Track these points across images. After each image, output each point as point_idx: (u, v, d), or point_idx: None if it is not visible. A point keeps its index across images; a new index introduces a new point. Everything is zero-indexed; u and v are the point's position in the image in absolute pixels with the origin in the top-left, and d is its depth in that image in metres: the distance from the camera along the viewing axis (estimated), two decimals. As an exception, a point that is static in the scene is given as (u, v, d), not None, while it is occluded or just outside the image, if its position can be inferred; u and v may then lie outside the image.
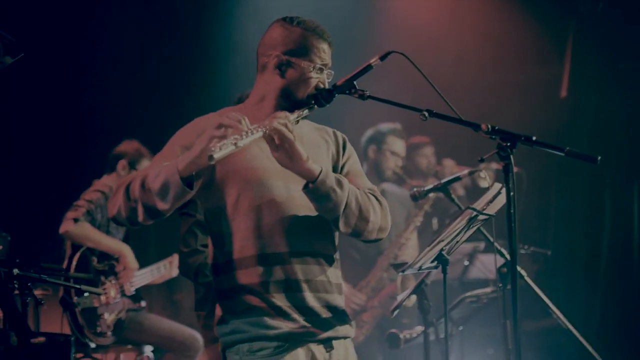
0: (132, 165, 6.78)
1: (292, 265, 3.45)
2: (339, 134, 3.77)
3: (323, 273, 3.51)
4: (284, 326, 3.41)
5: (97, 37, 8.13)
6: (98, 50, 8.20)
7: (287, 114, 3.40)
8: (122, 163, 6.80)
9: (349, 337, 3.61)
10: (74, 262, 6.37)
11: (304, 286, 3.45)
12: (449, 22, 9.29)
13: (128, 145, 6.89)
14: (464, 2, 9.27)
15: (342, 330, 3.55)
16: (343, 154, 3.71)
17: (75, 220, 6.38)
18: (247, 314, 3.43)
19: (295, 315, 3.43)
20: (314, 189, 3.34)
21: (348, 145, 3.76)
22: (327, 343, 3.51)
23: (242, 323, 3.44)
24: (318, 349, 3.49)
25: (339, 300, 3.57)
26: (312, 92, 3.56)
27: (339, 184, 3.40)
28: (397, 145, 7.43)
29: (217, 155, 3.08)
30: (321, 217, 3.49)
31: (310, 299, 3.46)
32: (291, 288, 3.44)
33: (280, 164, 3.34)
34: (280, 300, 3.42)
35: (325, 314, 3.50)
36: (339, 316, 3.55)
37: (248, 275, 3.44)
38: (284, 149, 3.29)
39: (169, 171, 3.23)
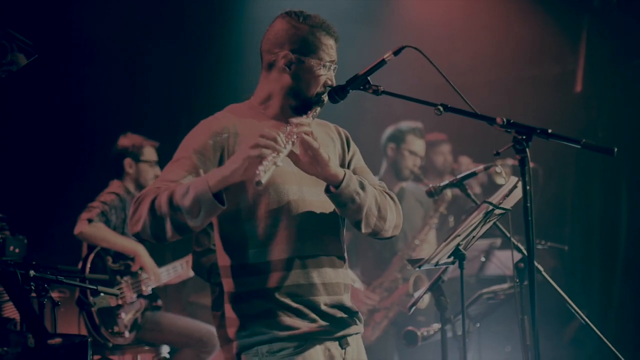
0: (137, 159, 6.79)
1: (309, 269, 3.46)
2: (341, 130, 3.78)
3: (336, 275, 3.54)
4: (302, 326, 3.43)
5: (106, 36, 8.13)
6: (106, 50, 8.20)
7: (309, 120, 3.38)
8: (127, 161, 6.80)
9: (359, 333, 3.65)
10: (89, 263, 6.38)
11: (320, 289, 3.47)
12: (463, 20, 9.27)
13: (124, 141, 6.88)
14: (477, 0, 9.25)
15: (354, 327, 3.59)
16: (348, 151, 3.73)
17: (89, 220, 6.39)
18: (265, 316, 3.44)
19: (313, 316, 3.45)
20: (339, 193, 3.34)
21: (351, 141, 3.77)
22: (343, 340, 3.54)
23: (260, 325, 3.44)
24: (334, 346, 3.51)
25: (348, 300, 3.60)
26: (321, 90, 3.55)
27: (362, 186, 3.42)
28: (417, 144, 7.37)
29: (264, 179, 3.07)
30: (333, 219, 3.52)
31: (326, 301, 3.48)
32: (308, 292, 3.46)
33: (304, 171, 3.35)
34: (297, 303, 3.44)
35: (339, 314, 3.53)
36: (351, 314, 3.59)
37: (266, 280, 3.44)
38: (308, 157, 3.29)
39: (199, 189, 3.20)
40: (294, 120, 3.36)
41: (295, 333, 3.42)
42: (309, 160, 3.30)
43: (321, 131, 3.68)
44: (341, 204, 3.38)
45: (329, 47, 3.56)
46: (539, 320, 3.33)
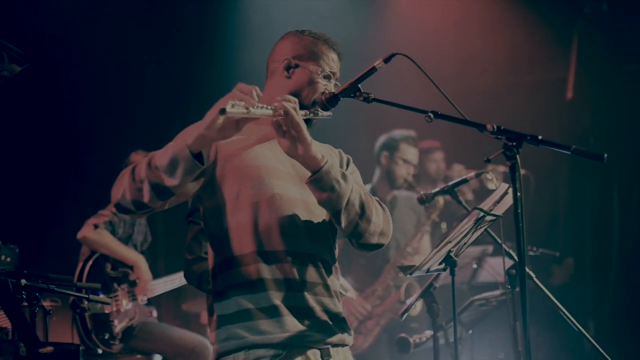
0: None
1: (290, 265, 3.40)
2: (343, 153, 3.77)
3: (320, 277, 3.48)
4: (281, 331, 3.37)
5: (99, 43, 8.14)
6: (98, 57, 8.21)
7: (297, 100, 3.32)
8: None
9: (347, 345, 3.57)
10: (88, 267, 6.38)
11: (301, 286, 3.41)
12: (455, 27, 9.30)
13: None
14: (469, 6, 9.27)
15: (339, 336, 3.50)
16: (347, 170, 3.70)
17: (95, 226, 6.40)
18: (242, 318, 3.38)
19: (292, 317, 3.38)
20: (318, 178, 3.30)
21: (351, 163, 3.76)
22: (325, 350, 3.46)
23: (237, 328, 3.38)
24: (315, 356, 3.43)
25: (337, 307, 3.52)
26: (318, 97, 3.56)
27: (344, 176, 3.37)
28: (410, 153, 7.37)
29: (229, 110, 3.01)
30: (321, 219, 3.49)
31: (308, 299, 3.42)
32: (289, 287, 3.40)
33: (285, 150, 3.29)
34: (277, 298, 3.37)
35: (322, 316, 3.45)
36: (337, 322, 3.51)
37: (245, 273, 3.39)
38: (290, 135, 3.25)
39: (177, 146, 3.16)
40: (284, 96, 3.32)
41: (272, 340, 3.35)
42: (290, 138, 3.25)
43: (320, 149, 3.66)
44: (321, 189, 3.32)
45: (330, 59, 3.60)
46: (531, 326, 3.33)
